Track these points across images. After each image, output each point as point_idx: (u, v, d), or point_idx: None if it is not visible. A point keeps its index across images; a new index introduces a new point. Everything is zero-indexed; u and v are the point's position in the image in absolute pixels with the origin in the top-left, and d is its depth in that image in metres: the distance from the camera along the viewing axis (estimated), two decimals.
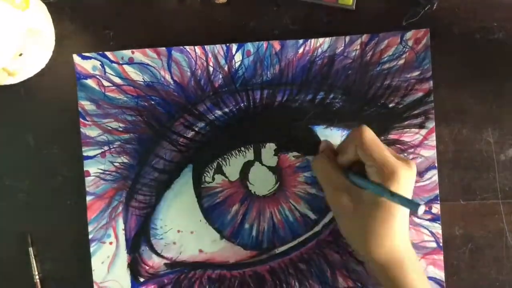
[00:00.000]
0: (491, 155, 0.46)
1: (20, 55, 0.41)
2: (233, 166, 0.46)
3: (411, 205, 0.35)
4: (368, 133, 0.39)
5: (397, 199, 0.37)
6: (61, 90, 0.46)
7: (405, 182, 0.38)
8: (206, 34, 0.46)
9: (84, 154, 0.46)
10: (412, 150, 0.46)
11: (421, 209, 0.34)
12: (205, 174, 0.46)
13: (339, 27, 0.46)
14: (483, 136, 0.46)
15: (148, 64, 0.46)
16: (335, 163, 0.42)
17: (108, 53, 0.46)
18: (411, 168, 0.39)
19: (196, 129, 0.46)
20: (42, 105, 0.46)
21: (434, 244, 0.46)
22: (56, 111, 0.46)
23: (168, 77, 0.46)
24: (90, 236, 0.46)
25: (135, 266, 0.46)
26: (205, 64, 0.46)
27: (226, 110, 0.46)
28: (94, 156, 0.46)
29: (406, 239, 0.40)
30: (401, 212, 0.38)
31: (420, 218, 0.46)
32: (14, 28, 0.39)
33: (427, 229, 0.46)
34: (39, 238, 0.47)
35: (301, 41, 0.45)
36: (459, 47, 0.46)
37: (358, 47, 0.46)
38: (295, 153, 0.46)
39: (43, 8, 0.43)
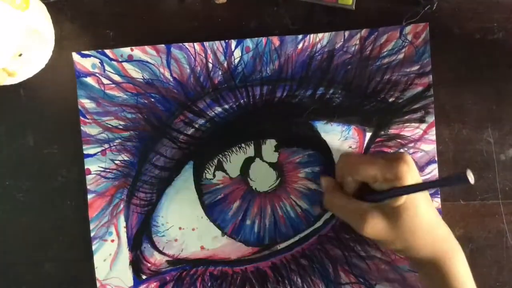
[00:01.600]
0: (491, 155, 0.46)
1: (20, 55, 0.41)
2: (233, 162, 0.46)
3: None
4: (348, 158, 0.40)
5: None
6: (61, 90, 0.46)
7: (411, 169, 0.38)
8: (206, 34, 0.46)
9: (85, 152, 0.46)
10: (412, 144, 0.46)
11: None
12: (205, 171, 0.46)
13: (339, 27, 0.46)
14: (483, 136, 0.46)
15: (147, 62, 0.46)
16: (345, 195, 0.42)
17: (107, 51, 0.46)
18: (405, 156, 0.39)
19: (196, 126, 0.46)
20: (42, 105, 0.46)
21: None
22: (56, 111, 0.46)
23: (167, 74, 0.46)
24: (91, 234, 0.46)
25: (137, 264, 0.46)
26: (204, 60, 0.46)
27: (226, 106, 0.46)
28: (95, 154, 0.46)
29: (443, 229, 0.41)
30: (423, 204, 0.39)
31: None
32: (14, 28, 0.39)
33: None
34: (41, 238, 0.47)
35: (300, 36, 0.45)
36: (459, 47, 0.46)
37: (358, 42, 0.45)
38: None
39: (43, 8, 0.43)
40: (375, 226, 0.39)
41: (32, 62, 0.43)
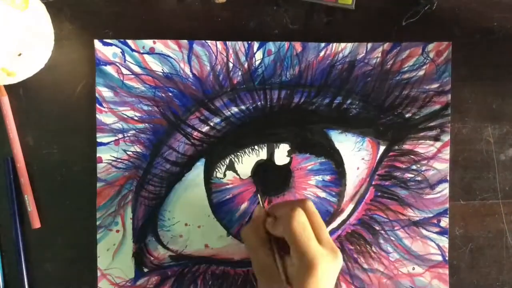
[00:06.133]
0: (491, 155, 0.46)
1: (20, 55, 0.41)
2: (245, 164, 0.46)
3: None
4: (300, 218, 0.37)
5: None
6: (60, 90, 0.46)
7: (324, 276, 0.36)
8: (205, 34, 0.46)
9: (98, 140, 0.46)
10: (426, 162, 0.46)
11: None
12: (216, 170, 0.46)
13: (339, 27, 0.46)
14: (483, 136, 0.46)
15: (168, 56, 0.46)
16: (265, 235, 0.41)
17: (129, 41, 0.46)
18: (336, 259, 0.37)
19: (211, 124, 0.46)
20: (42, 105, 0.46)
21: (439, 258, 0.46)
22: (55, 111, 0.46)
23: (187, 70, 0.46)
24: (97, 223, 0.46)
25: (140, 256, 0.46)
26: (225, 60, 0.46)
27: (243, 107, 0.46)
28: (108, 143, 0.46)
29: None
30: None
31: (428, 231, 0.46)
32: (14, 28, 0.39)
33: (434, 242, 0.46)
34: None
35: (322, 44, 0.45)
36: (459, 47, 0.46)
37: (380, 54, 0.45)
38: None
39: (42, 8, 0.43)
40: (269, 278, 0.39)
41: (31, 62, 0.43)
